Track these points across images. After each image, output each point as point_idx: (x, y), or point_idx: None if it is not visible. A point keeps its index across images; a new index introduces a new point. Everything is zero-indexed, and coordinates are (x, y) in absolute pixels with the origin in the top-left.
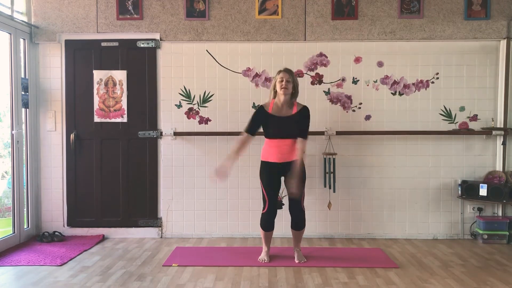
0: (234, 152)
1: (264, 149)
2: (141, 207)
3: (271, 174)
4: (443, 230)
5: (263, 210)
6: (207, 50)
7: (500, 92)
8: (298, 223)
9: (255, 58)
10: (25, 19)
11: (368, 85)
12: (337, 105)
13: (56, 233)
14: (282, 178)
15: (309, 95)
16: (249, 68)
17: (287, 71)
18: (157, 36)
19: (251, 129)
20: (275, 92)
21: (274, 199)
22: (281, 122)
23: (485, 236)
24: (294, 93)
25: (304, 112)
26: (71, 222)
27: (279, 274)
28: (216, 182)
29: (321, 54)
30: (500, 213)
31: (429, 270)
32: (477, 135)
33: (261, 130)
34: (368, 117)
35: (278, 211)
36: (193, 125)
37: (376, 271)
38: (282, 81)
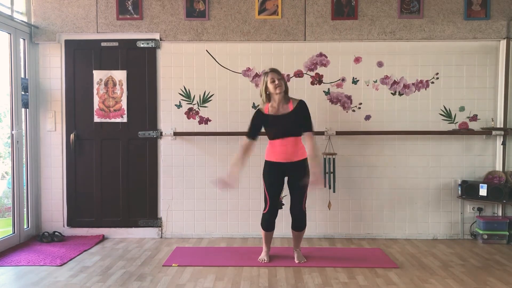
0: (238, 159)
1: (268, 149)
2: (141, 207)
3: (274, 174)
4: (443, 230)
5: (264, 210)
6: (207, 50)
7: (500, 92)
8: (298, 224)
9: (255, 58)
10: (25, 19)
11: (368, 85)
12: (337, 105)
13: (56, 233)
14: (286, 179)
15: (309, 95)
16: (249, 68)
17: (274, 71)
18: (157, 36)
19: (252, 133)
20: (268, 95)
21: (276, 200)
22: (280, 121)
23: (485, 236)
24: (285, 89)
25: (302, 106)
26: (71, 222)
27: (279, 274)
28: (224, 190)
29: (321, 54)
30: (500, 213)
31: (429, 270)
32: (477, 135)
33: (263, 130)
34: (368, 117)
35: (279, 211)
36: (193, 125)
37: (376, 271)
38: (274, 81)
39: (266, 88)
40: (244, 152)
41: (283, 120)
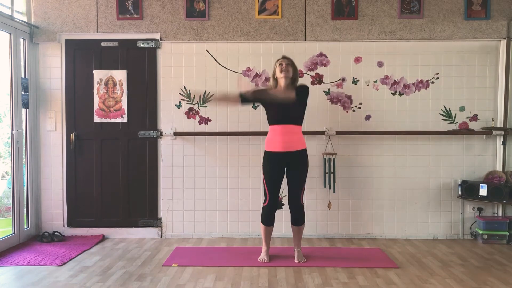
0: (221, 96)
1: (268, 138)
2: (141, 207)
3: (274, 166)
4: (443, 230)
5: (264, 203)
6: (207, 50)
7: (500, 92)
8: (297, 218)
9: (255, 58)
10: (25, 19)
11: (368, 85)
12: (337, 105)
13: (56, 233)
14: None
15: (309, 95)
16: (249, 68)
17: (285, 57)
18: (157, 36)
19: (245, 96)
20: (276, 80)
21: (276, 192)
22: (285, 105)
23: (485, 236)
24: (295, 79)
25: (301, 89)
26: (71, 222)
27: (279, 274)
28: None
29: (321, 54)
30: (500, 213)
31: (429, 270)
32: (477, 135)
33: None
34: (368, 117)
35: (278, 210)
36: (193, 125)
37: (376, 271)
38: (282, 65)
39: (275, 73)
40: (224, 98)
41: (288, 106)
